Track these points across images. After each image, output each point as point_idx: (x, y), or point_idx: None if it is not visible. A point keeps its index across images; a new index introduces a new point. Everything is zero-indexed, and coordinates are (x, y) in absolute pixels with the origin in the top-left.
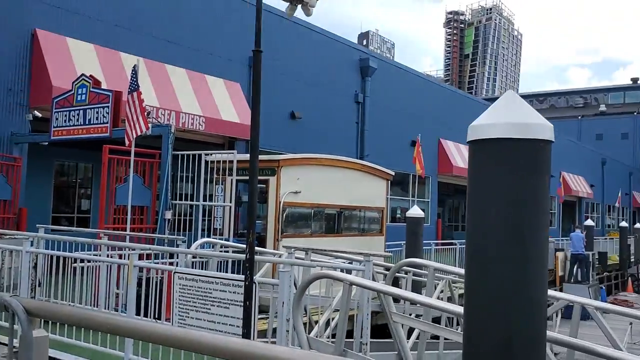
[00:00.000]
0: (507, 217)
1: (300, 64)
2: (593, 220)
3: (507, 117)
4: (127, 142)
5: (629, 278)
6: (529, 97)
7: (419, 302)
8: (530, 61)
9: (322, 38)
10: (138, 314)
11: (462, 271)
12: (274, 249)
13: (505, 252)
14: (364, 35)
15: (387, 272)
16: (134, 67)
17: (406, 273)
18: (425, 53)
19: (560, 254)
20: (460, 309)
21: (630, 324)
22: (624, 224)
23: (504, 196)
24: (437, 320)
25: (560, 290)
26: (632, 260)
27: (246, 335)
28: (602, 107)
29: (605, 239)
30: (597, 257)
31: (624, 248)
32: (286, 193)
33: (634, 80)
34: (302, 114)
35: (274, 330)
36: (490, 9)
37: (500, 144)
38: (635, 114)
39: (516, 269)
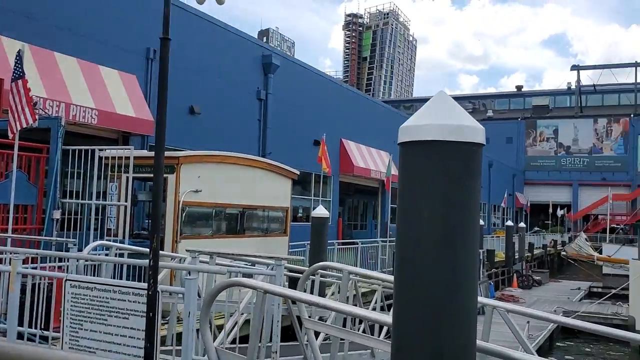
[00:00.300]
0: (439, 221)
1: (200, 58)
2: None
3: (440, 119)
4: (10, 135)
5: (514, 274)
6: (422, 101)
7: (349, 314)
8: (423, 66)
9: (224, 32)
10: (21, 324)
11: (378, 274)
12: (172, 251)
13: (437, 258)
14: (264, 33)
15: (291, 274)
16: (19, 52)
17: (313, 275)
18: (324, 53)
19: None
20: (387, 318)
21: (528, 322)
22: (509, 223)
23: (437, 200)
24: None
25: None
26: (516, 257)
27: (149, 348)
28: (490, 113)
29: (492, 237)
30: (485, 254)
31: (510, 246)
32: (186, 192)
33: (518, 88)
34: (201, 109)
35: (174, 335)
36: (388, 13)
37: (433, 146)
38: (519, 119)
39: (448, 274)
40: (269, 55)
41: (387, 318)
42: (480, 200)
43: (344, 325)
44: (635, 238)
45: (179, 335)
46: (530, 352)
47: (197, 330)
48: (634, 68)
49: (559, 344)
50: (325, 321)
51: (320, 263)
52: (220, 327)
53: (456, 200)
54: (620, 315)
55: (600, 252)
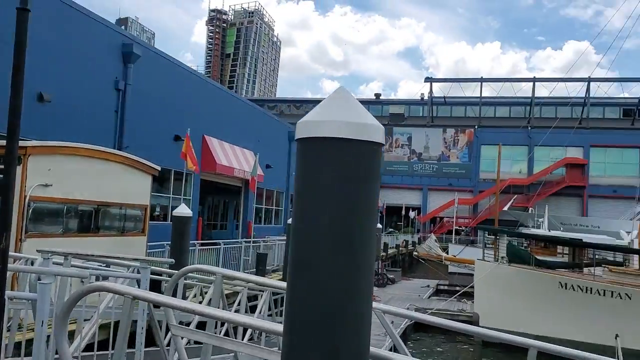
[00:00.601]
0: (340, 224)
1: (52, 41)
2: None
3: (343, 116)
4: None
5: None
6: (286, 102)
7: (241, 324)
8: (287, 68)
9: (80, 16)
10: None
11: (256, 278)
12: (16, 251)
13: (336, 262)
14: (123, 21)
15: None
16: None
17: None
18: (186, 47)
19: None
20: (277, 327)
21: (392, 321)
22: None
23: (338, 201)
24: (202, 326)
25: None
26: None
27: None
28: None
29: None
30: None
31: None
32: (34, 186)
33: (377, 95)
34: (52, 97)
35: (24, 344)
36: (252, 12)
37: (336, 144)
38: None
39: (347, 280)
40: (129, 45)
41: (278, 327)
42: (377, 203)
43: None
44: (476, 239)
45: (19, 344)
46: (405, 353)
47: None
48: (479, 83)
49: (413, 339)
50: (188, 325)
51: (192, 266)
52: (70, 333)
53: (357, 203)
54: (465, 311)
55: (447, 253)
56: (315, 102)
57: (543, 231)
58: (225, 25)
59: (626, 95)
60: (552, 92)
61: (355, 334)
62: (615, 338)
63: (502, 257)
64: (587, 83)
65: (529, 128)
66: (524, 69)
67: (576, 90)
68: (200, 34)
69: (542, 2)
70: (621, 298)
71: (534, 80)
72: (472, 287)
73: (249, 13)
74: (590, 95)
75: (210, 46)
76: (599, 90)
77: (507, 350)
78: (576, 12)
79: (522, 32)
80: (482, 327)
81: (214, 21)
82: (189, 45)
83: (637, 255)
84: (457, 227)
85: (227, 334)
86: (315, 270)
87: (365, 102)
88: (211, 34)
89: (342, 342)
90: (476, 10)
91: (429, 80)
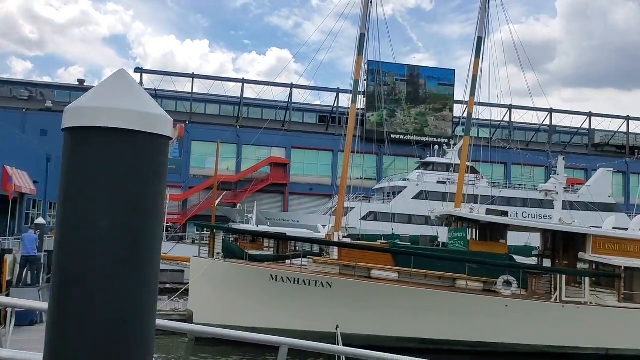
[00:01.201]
0: (123, 231)
1: None
2: (36, 218)
3: (126, 103)
4: None
5: None
6: None
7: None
8: None
9: None
10: None
11: None
12: None
13: (119, 275)
14: None
15: None
16: None
17: None
18: None
19: (9, 257)
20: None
21: None
22: None
23: (120, 203)
24: None
25: (8, 296)
26: None
27: None
28: (49, 103)
29: (51, 237)
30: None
31: None
32: None
33: (81, 81)
34: None
35: None
36: None
37: (117, 136)
38: None
39: (131, 295)
40: None
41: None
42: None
43: None
44: (185, 236)
45: None
46: None
47: None
48: (191, 79)
49: None
50: None
51: None
52: None
53: (143, 206)
54: (178, 310)
55: None
56: (3, 82)
57: (252, 226)
58: None
59: (321, 103)
60: (259, 95)
61: (141, 356)
62: (336, 329)
63: (218, 253)
64: (290, 89)
65: (238, 127)
66: (231, 70)
67: (281, 95)
68: None
69: (249, 7)
70: (323, 286)
71: (243, 81)
72: (185, 283)
73: None
74: (293, 101)
75: None
76: (300, 97)
77: (218, 344)
78: (279, 21)
79: (230, 34)
80: (196, 324)
81: None
82: None
83: (336, 247)
84: (167, 224)
85: None
86: (90, 287)
87: (65, 88)
88: None
89: None
90: (186, 6)
91: (139, 70)
